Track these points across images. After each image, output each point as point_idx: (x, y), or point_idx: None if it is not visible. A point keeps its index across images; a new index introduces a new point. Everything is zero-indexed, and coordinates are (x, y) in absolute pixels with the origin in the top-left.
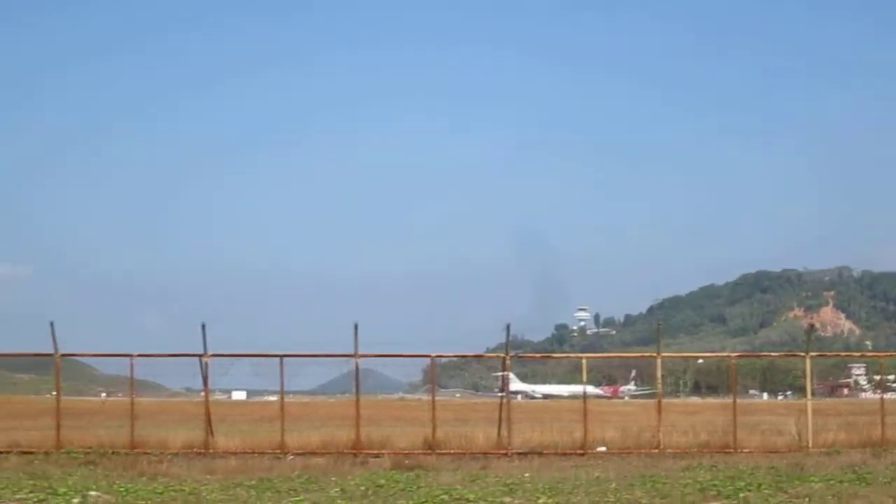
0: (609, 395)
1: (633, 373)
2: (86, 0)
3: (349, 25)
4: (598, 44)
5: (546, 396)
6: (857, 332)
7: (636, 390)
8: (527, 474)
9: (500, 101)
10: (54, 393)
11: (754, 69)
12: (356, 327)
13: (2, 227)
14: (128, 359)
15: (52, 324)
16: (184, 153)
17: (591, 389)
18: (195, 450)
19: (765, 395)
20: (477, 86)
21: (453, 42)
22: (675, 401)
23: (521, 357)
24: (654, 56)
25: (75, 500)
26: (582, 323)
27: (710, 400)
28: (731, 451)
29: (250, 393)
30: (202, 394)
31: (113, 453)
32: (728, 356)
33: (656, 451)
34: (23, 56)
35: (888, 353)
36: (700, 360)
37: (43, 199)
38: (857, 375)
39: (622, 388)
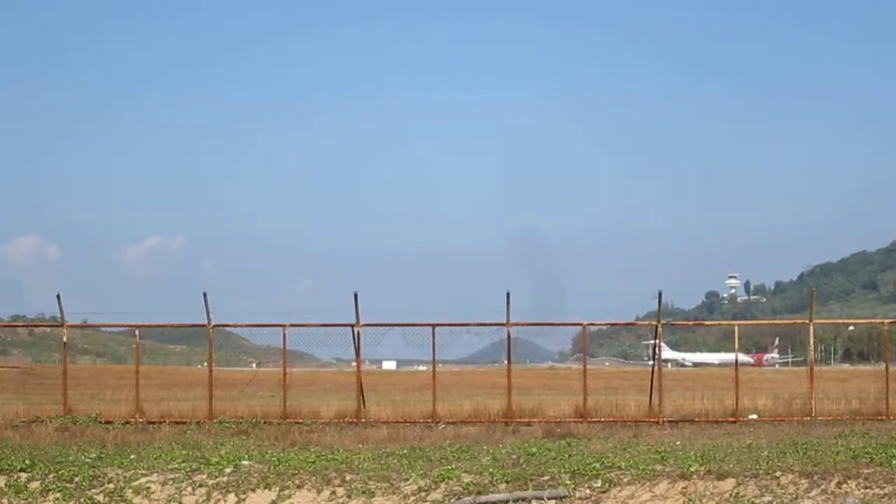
0: (753, 362)
1: (777, 341)
2: None
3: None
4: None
5: (696, 364)
6: None
7: (780, 359)
8: (678, 442)
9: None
10: (206, 363)
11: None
12: (508, 296)
13: (157, 200)
14: (279, 329)
15: (204, 294)
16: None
17: (742, 357)
18: (347, 419)
19: None
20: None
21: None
22: (827, 368)
23: (672, 325)
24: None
25: (228, 469)
26: (732, 290)
27: (861, 367)
28: (884, 418)
29: (400, 363)
30: (353, 364)
31: (265, 423)
32: (881, 322)
33: (808, 418)
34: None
35: None
36: (851, 327)
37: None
38: None
39: (766, 357)
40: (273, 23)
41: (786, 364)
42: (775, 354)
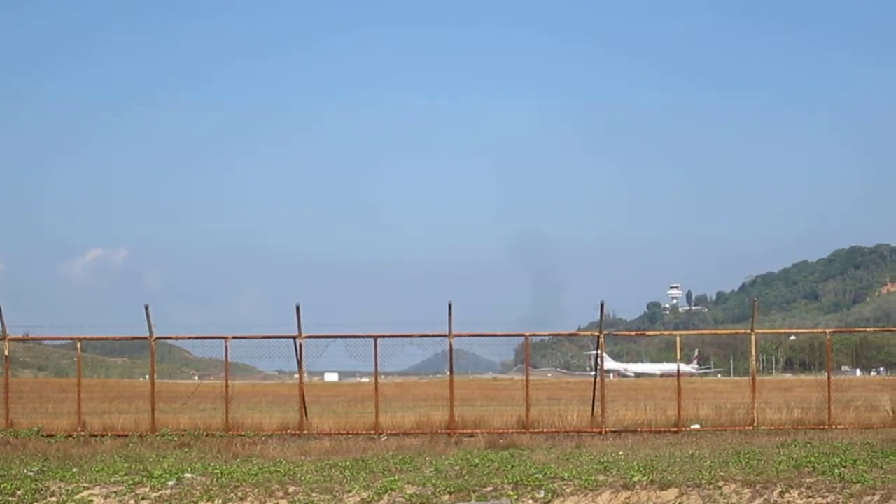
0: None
1: (696, 352)
2: None
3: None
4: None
5: (638, 375)
6: None
7: (698, 369)
8: (621, 452)
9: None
10: (148, 376)
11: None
12: (450, 307)
13: (101, 212)
14: (222, 341)
15: (146, 307)
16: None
17: (684, 367)
18: (289, 431)
19: (858, 372)
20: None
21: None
22: (769, 378)
23: (614, 335)
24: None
25: (170, 482)
26: (674, 301)
27: (804, 377)
28: (826, 427)
29: (342, 374)
30: (296, 376)
31: (207, 435)
32: (822, 332)
33: (750, 428)
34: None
35: None
36: (793, 337)
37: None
38: None
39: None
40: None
41: (705, 375)
42: (694, 365)
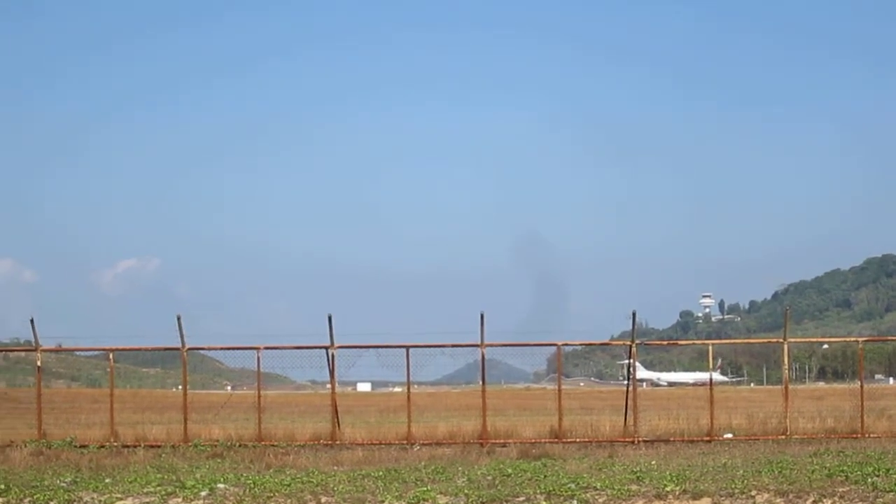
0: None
1: (720, 361)
2: None
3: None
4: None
5: (671, 384)
6: None
7: (720, 379)
8: (653, 462)
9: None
10: (181, 387)
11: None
12: (482, 317)
13: (133, 222)
14: (254, 352)
15: (178, 317)
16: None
17: (717, 376)
18: (322, 441)
19: (891, 380)
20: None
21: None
22: (802, 386)
23: (646, 344)
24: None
25: (203, 493)
26: (706, 309)
27: (836, 385)
28: (859, 436)
29: (375, 384)
30: (328, 386)
31: (240, 446)
32: (855, 341)
33: (783, 437)
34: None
35: None
36: (825, 346)
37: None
38: None
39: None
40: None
41: (738, 384)
42: (717, 374)
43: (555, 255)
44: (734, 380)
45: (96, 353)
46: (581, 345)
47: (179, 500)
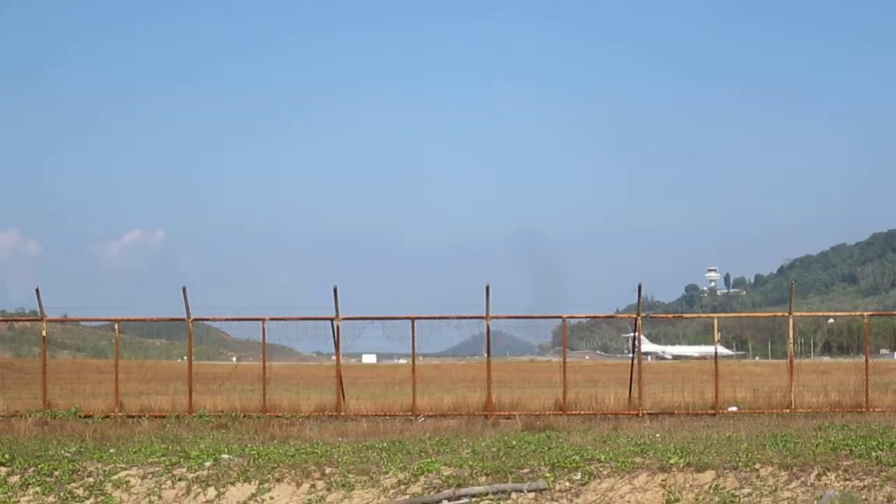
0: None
1: (719, 335)
2: None
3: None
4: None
5: (676, 357)
6: None
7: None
8: (658, 434)
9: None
10: (186, 357)
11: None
12: (487, 289)
13: (137, 194)
14: (259, 323)
15: (184, 289)
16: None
17: (722, 350)
18: (327, 413)
19: None
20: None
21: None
22: (807, 361)
23: (652, 317)
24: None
25: (207, 463)
26: (712, 283)
27: (841, 360)
28: (863, 410)
29: (380, 356)
30: (333, 357)
31: (244, 417)
32: (860, 315)
33: (788, 411)
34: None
35: None
36: (831, 320)
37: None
38: None
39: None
40: (270, 21)
41: (743, 357)
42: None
43: (559, 234)
44: (738, 354)
45: (102, 323)
46: (586, 318)
47: (184, 470)
